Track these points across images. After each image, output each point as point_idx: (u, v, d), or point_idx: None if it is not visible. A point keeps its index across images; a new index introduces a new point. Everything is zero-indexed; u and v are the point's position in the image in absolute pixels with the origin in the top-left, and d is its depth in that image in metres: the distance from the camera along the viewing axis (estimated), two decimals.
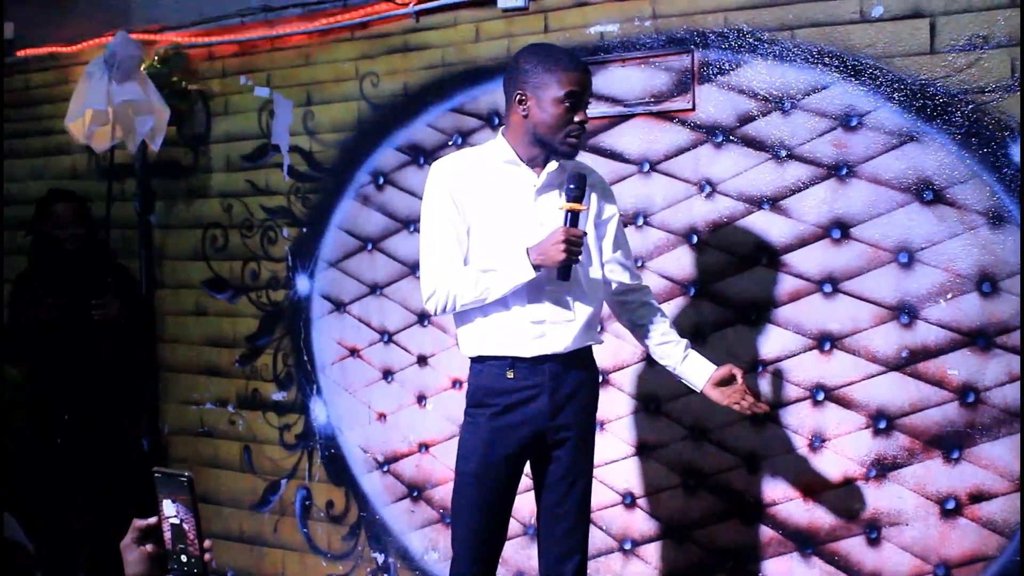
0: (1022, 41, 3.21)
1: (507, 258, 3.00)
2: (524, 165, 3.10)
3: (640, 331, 3.29)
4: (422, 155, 4.34)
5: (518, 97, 3.06)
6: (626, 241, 3.31)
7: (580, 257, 3.01)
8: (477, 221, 3.08)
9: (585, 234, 2.98)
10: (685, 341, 3.25)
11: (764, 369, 3.66)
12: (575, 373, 3.13)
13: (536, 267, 2.96)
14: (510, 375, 3.08)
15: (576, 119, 3.02)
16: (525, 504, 3.76)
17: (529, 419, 3.09)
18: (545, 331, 3.06)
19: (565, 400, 3.11)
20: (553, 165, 3.07)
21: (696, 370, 3.22)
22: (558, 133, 3.02)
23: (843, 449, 3.55)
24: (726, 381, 3.18)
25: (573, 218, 2.95)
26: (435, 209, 3.12)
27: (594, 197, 3.17)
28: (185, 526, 1.83)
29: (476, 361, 3.17)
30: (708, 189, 3.73)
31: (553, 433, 3.11)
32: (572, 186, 2.96)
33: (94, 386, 4.74)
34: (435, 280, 3.09)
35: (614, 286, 3.26)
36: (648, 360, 3.86)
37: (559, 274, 2.96)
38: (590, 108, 3.80)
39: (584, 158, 3.35)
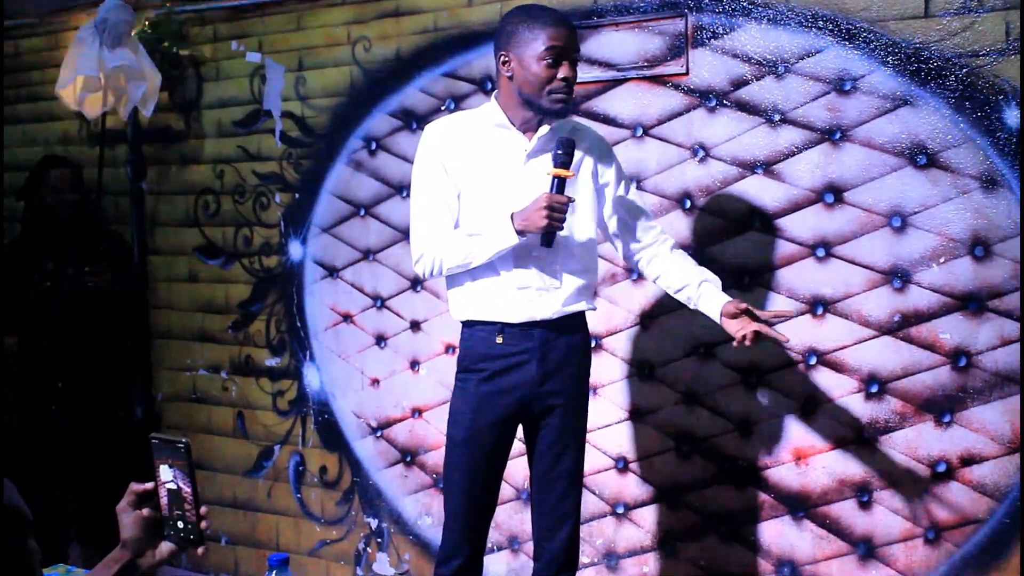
0: (1021, 5, 3.20)
1: (494, 223, 3.00)
2: (515, 129, 3.09)
3: (661, 283, 3.28)
4: (414, 120, 4.32)
5: (502, 58, 3.04)
6: (631, 199, 3.27)
7: (568, 223, 3.01)
8: (467, 185, 3.08)
9: (571, 200, 2.95)
10: (700, 280, 3.18)
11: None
12: (565, 340, 3.12)
13: (520, 233, 2.95)
14: (499, 340, 3.08)
15: (560, 75, 2.98)
16: (518, 469, 3.78)
17: (518, 385, 3.09)
18: (531, 297, 3.05)
19: (554, 367, 3.10)
20: (545, 130, 3.06)
21: (710, 305, 3.16)
22: (542, 91, 2.99)
23: (835, 413, 3.56)
24: (734, 315, 3.08)
25: (559, 184, 2.93)
26: (425, 173, 3.13)
27: (590, 160, 3.16)
28: (182, 492, 1.83)
29: (466, 325, 3.17)
30: (701, 153, 3.73)
31: (542, 400, 3.11)
32: (559, 151, 2.94)
33: (87, 353, 4.74)
34: (423, 244, 3.10)
35: (625, 244, 3.26)
36: (642, 325, 3.86)
37: (542, 240, 2.96)
38: (584, 72, 3.79)
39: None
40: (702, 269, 3.22)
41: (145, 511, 1.86)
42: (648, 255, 3.28)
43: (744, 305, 3.07)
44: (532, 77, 2.99)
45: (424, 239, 3.10)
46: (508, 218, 2.96)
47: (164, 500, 1.86)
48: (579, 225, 3.11)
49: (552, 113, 3.03)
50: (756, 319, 3.05)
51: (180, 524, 1.86)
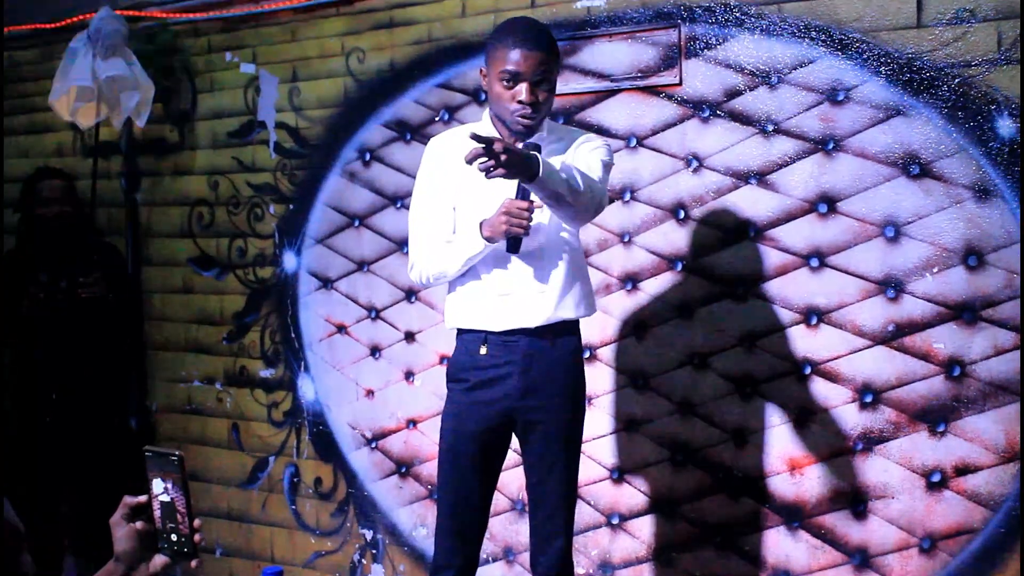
0: (1021, 16, 3.20)
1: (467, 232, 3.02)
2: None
3: None
4: (409, 131, 4.33)
5: (481, 71, 3.08)
6: (587, 165, 3.04)
7: (551, 229, 3.03)
8: (460, 198, 3.09)
9: (535, 205, 2.91)
10: None
11: (752, 344, 3.67)
12: (552, 352, 3.09)
13: (489, 240, 2.95)
14: (483, 351, 3.08)
15: (518, 98, 2.95)
16: (513, 479, 3.77)
17: (500, 397, 3.08)
18: (515, 304, 3.04)
19: (538, 380, 3.07)
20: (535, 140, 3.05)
21: None
22: (504, 111, 3.00)
23: (830, 423, 3.56)
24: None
25: (524, 191, 2.91)
26: (421, 185, 3.18)
27: (567, 154, 3.10)
28: (176, 504, 1.83)
29: (457, 334, 3.19)
30: (695, 164, 3.73)
31: (524, 413, 3.09)
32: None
33: (81, 365, 4.73)
34: (414, 255, 3.16)
35: None
36: (636, 335, 3.86)
37: (508, 246, 2.96)
38: (578, 83, 3.81)
39: None
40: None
41: (139, 524, 1.85)
42: None
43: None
44: (495, 95, 3.01)
45: (416, 249, 3.16)
46: (477, 226, 2.98)
47: (157, 513, 1.85)
48: (561, 229, 3.09)
49: (515, 134, 3.01)
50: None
51: (174, 537, 1.85)
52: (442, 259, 3.06)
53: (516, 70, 2.93)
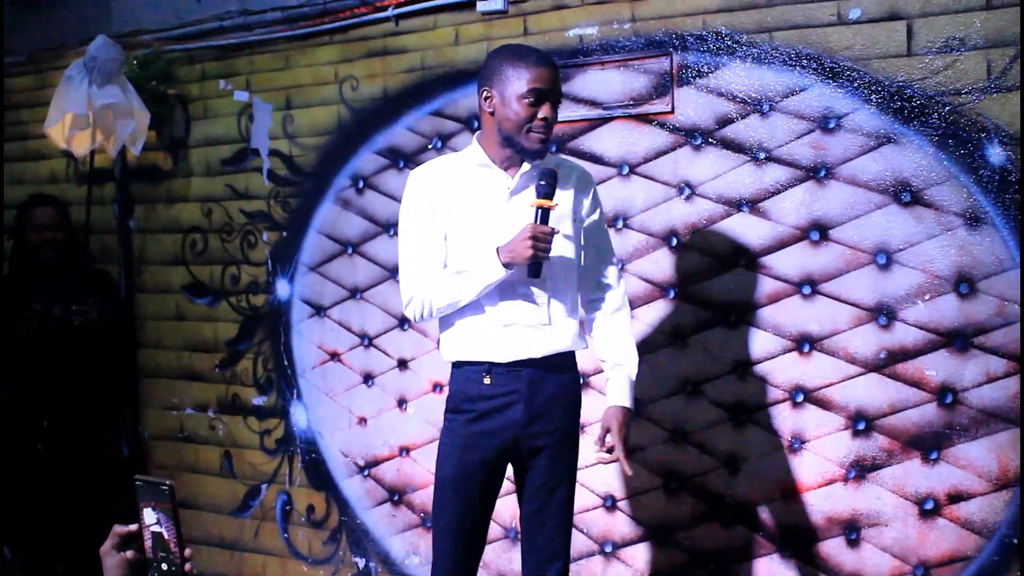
0: (1022, 41, 3.22)
1: (480, 259, 2.99)
2: (497, 168, 3.08)
3: (594, 344, 3.28)
4: (402, 159, 4.34)
5: (484, 94, 3.04)
6: (605, 246, 3.27)
7: (555, 256, 3.01)
8: (453, 226, 3.07)
9: (555, 231, 2.94)
10: (615, 363, 3.20)
11: (744, 371, 3.67)
12: (554, 380, 3.10)
13: (507, 266, 2.94)
14: (487, 381, 3.06)
15: (540, 115, 2.97)
16: (506, 507, 3.76)
17: (505, 426, 3.07)
18: (519, 335, 3.04)
19: (542, 408, 3.08)
20: (527, 167, 3.05)
21: (609, 393, 3.21)
22: (521, 130, 2.99)
23: (822, 450, 3.56)
24: (607, 427, 3.14)
25: (543, 215, 2.92)
26: (410, 217, 3.12)
27: (573, 195, 3.14)
28: (166, 534, 1.82)
29: (455, 366, 3.15)
30: (687, 191, 3.74)
31: (529, 441, 3.09)
32: (542, 183, 2.94)
33: (74, 392, 4.72)
34: (412, 287, 3.09)
35: (586, 285, 3.24)
36: None
37: (529, 271, 2.94)
38: (570, 111, 3.81)
39: None
40: (625, 347, 3.22)
41: (129, 554, 1.85)
42: (593, 315, 3.27)
43: (610, 428, 3.12)
44: (513, 115, 2.99)
45: (413, 282, 3.09)
46: (494, 252, 2.96)
47: (148, 543, 1.84)
48: (565, 261, 3.11)
49: (530, 153, 3.02)
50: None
51: (164, 566, 1.84)
52: (453, 289, 3.02)
53: (545, 87, 2.97)
